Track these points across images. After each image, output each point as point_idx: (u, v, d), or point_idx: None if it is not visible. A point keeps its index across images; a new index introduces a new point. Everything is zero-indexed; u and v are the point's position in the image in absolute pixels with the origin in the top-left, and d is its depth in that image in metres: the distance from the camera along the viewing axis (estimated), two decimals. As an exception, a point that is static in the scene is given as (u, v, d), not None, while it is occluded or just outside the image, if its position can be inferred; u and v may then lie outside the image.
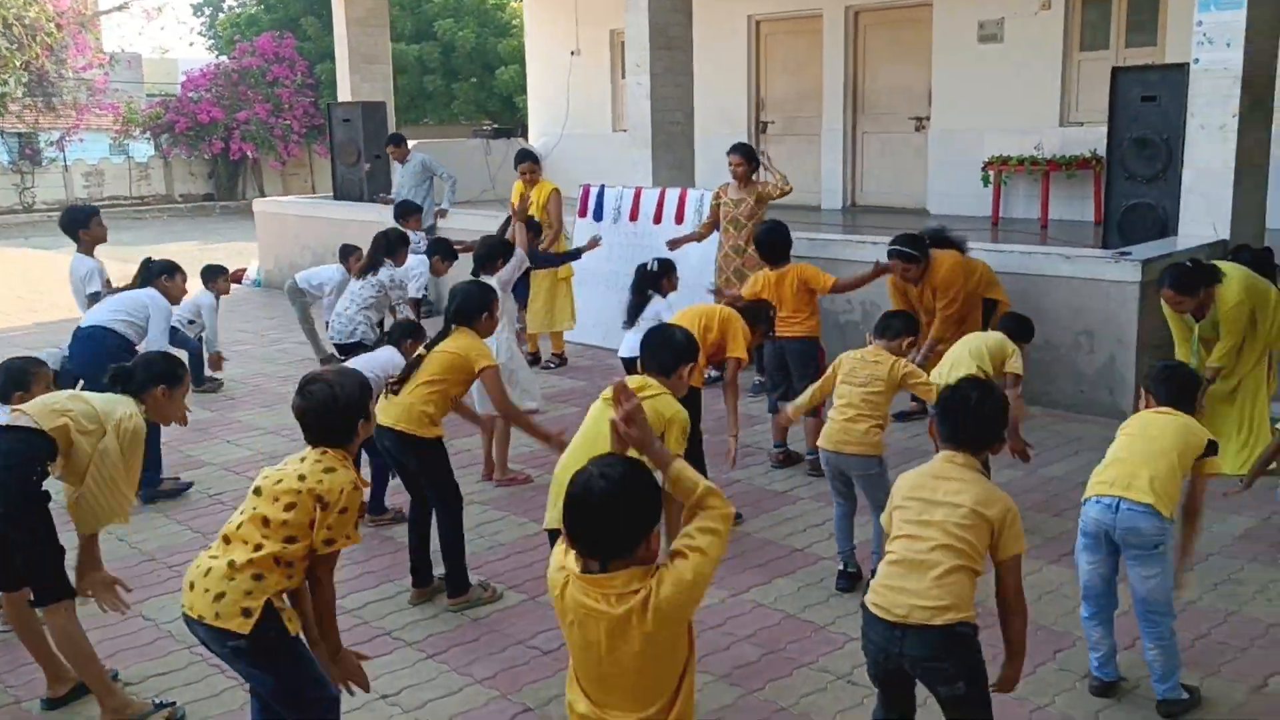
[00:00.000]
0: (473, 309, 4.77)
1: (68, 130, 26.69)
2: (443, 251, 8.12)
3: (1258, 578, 4.90)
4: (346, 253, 8.82)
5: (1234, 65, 7.47)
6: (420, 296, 8.23)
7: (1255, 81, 7.59)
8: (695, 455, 5.61)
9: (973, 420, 3.10)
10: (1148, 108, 8.02)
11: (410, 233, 8.22)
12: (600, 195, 10.17)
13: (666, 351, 3.96)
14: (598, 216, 10.13)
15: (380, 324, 7.07)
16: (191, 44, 29.03)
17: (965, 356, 5.42)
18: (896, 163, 12.87)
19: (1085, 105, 11.14)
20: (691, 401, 5.56)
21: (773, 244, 6.55)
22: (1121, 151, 8.18)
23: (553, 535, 3.74)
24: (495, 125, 16.91)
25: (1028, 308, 7.53)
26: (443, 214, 11.64)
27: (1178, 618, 3.85)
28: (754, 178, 8.18)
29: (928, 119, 12.44)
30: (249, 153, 27.00)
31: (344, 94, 14.64)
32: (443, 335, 4.76)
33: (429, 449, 4.63)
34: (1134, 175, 8.15)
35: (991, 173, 11.34)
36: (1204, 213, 7.74)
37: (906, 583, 2.95)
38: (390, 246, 7.03)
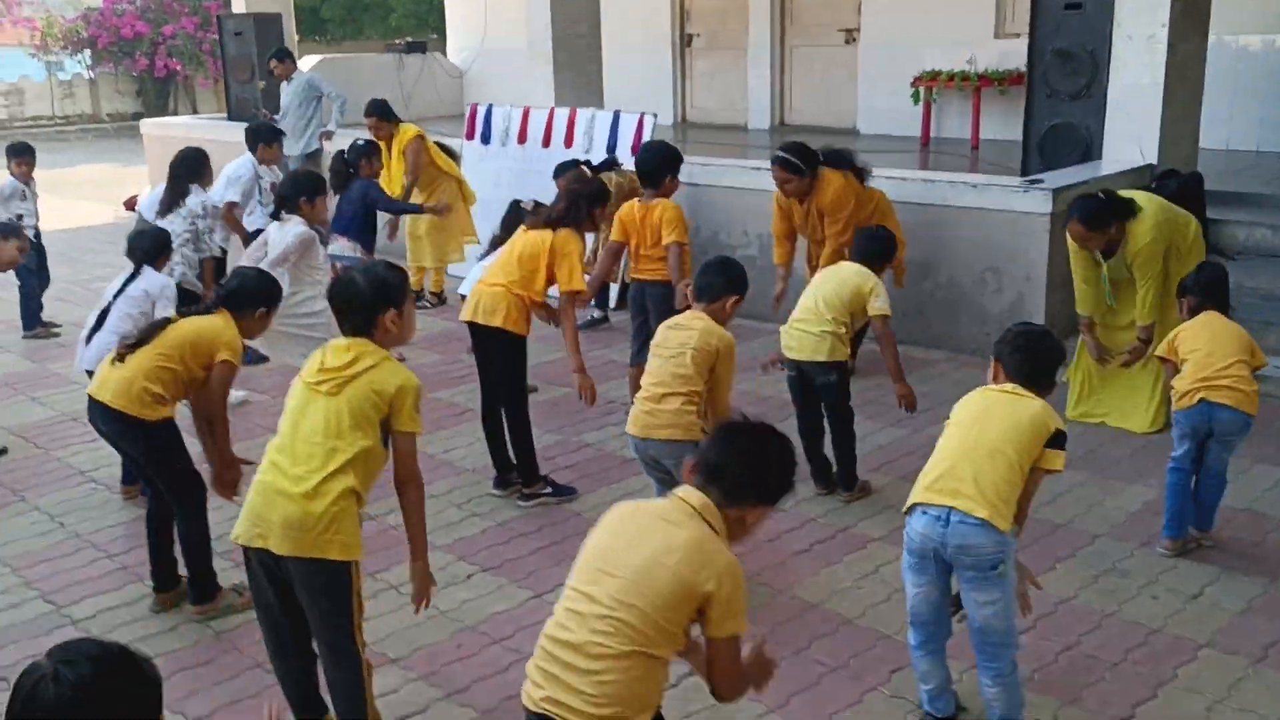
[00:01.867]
0: (247, 300, 4.02)
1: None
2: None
3: (1147, 568, 4.23)
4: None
5: (1165, -34, 6.64)
6: (222, 252, 6.78)
7: (1188, -16, 6.77)
8: (519, 413, 4.90)
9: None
10: (1071, 16, 7.17)
11: (263, 167, 7.33)
12: (488, 116, 9.29)
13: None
14: (485, 139, 9.28)
15: (203, 262, 6.24)
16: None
17: (817, 308, 4.69)
18: (826, 78, 11.96)
19: (1022, 15, 10.22)
20: (518, 352, 4.85)
21: (651, 167, 5.71)
22: (1043, 65, 7.34)
23: (246, 552, 3.01)
24: (409, 39, 15.80)
25: (929, 241, 6.82)
26: (328, 136, 10.71)
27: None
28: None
29: (858, 31, 11.52)
30: (176, 69, 25.67)
31: (239, 5, 13.55)
32: (205, 310, 4.00)
33: (152, 434, 3.86)
34: (1056, 92, 7.33)
35: (921, 89, 10.48)
36: (1130, 134, 6.97)
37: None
38: (193, 168, 6.15)
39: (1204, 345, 4.18)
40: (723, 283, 4.01)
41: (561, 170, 6.97)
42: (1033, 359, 3.20)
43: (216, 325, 3.93)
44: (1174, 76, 6.84)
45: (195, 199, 6.10)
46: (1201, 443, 4.21)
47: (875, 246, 5.00)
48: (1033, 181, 6.53)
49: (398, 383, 2.98)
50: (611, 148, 8.30)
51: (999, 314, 6.61)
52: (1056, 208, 6.29)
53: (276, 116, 11.11)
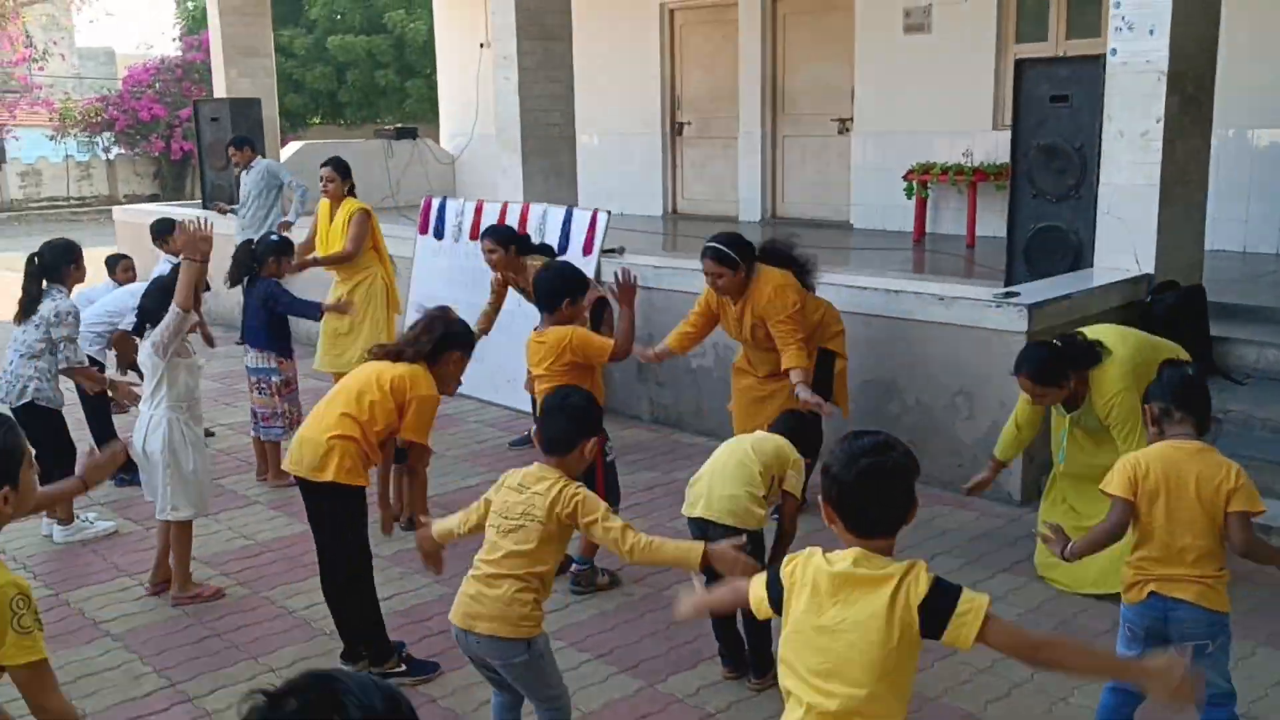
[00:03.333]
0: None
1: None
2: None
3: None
4: (113, 263, 7.43)
5: (1158, 57, 5.94)
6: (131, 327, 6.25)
7: (1185, 76, 6.05)
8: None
9: None
10: (1058, 110, 6.48)
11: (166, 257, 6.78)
12: (441, 209, 8.71)
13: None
14: (439, 233, 8.68)
15: (58, 373, 5.57)
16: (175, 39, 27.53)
17: (730, 469, 3.95)
18: (819, 170, 11.33)
19: (1022, 105, 9.58)
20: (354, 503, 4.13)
21: (546, 290, 5.00)
22: (1028, 163, 6.64)
23: None
24: (398, 125, 15.44)
25: (896, 358, 6.07)
26: (286, 227, 10.14)
27: None
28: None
29: (851, 120, 10.90)
30: (191, 152, 25.62)
31: (220, 89, 13.24)
32: None
33: None
34: (1042, 192, 6.61)
35: (914, 183, 9.80)
36: (1123, 240, 6.21)
37: None
38: (50, 265, 5.47)
39: (1161, 512, 3.16)
40: (575, 427, 3.28)
41: (491, 232, 6.38)
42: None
43: None
44: (1172, 177, 6.10)
45: (49, 304, 5.41)
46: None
47: (796, 425, 4.34)
48: (1007, 295, 5.78)
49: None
50: (563, 247, 7.66)
51: (972, 444, 5.82)
52: (1034, 326, 5.53)
53: (235, 206, 10.65)
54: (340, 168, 7.36)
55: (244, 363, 6.56)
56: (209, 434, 7.02)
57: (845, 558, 2.32)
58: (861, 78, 10.64)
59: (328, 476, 3.95)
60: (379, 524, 4.39)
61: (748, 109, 11.65)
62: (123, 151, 26.72)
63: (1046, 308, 5.61)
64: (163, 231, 7.84)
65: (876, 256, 8.83)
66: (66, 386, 5.72)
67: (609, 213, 7.66)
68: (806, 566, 2.36)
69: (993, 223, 9.44)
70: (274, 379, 6.39)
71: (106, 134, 26.30)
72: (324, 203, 7.48)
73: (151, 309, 4.83)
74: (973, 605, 2.24)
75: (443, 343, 4.10)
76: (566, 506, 3.14)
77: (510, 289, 6.64)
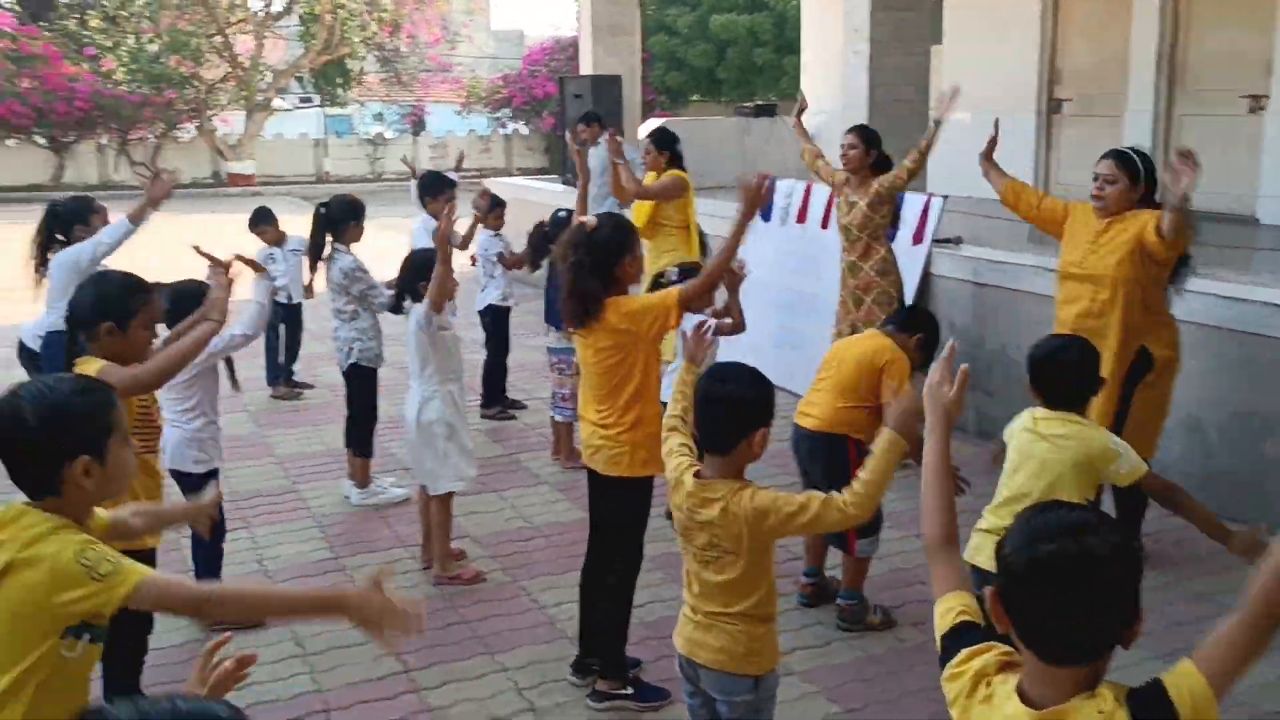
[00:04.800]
0: (95, 313, 3.20)
1: (415, 105, 27.94)
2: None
3: None
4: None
5: None
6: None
7: None
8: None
9: None
10: None
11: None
12: (771, 190, 8.27)
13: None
14: (765, 215, 8.27)
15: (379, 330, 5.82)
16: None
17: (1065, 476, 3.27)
18: (1222, 155, 9.72)
19: None
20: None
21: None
22: None
23: None
24: (757, 103, 15.11)
25: (1268, 382, 4.96)
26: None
27: None
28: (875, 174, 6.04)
29: (1267, 98, 9.25)
30: (576, 128, 26.94)
31: (585, 67, 13.53)
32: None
33: None
34: None
35: (1342, 173, 8.13)
36: None
37: None
38: (334, 219, 5.65)
39: None
40: (734, 426, 2.73)
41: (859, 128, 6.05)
42: None
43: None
44: None
45: (335, 267, 5.62)
46: None
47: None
48: None
49: None
50: (890, 235, 7.00)
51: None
52: None
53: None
54: (660, 140, 7.17)
55: (545, 343, 6.51)
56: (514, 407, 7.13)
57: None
58: (1284, 47, 8.99)
59: (618, 470, 3.70)
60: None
61: (1138, 83, 10.23)
62: (518, 127, 28.54)
63: None
64: (259, 221, 7.94)
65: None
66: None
67: (945, 198, 6.91)
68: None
69: None
70: (573, 359, 6.26)
71: (505, 110, 28.19)
72: (648, 175, 7.32)
73: (409, 284, 4.81)
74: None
75: None
76: (747, 520, 2.65)
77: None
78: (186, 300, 3.85)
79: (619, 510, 3.82)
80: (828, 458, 4.30)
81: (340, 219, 5.59)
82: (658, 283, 5.03)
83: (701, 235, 7.24)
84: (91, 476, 2.08)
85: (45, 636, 2.01)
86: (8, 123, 23.52)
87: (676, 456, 2.87)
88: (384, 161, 28.31)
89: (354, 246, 5.71)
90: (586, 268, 3.60)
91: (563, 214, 6.66)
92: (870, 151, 6.07)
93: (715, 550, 2.72)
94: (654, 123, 14.12)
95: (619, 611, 3.89)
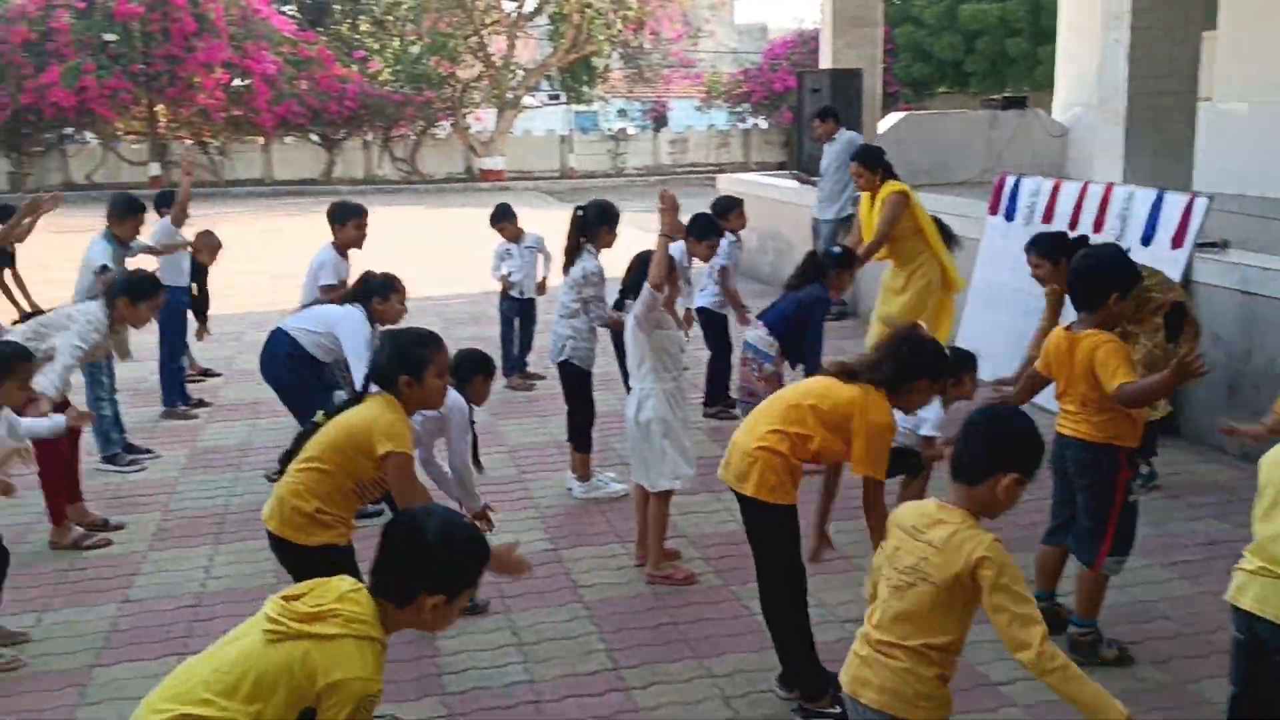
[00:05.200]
0: (394, 368, 3.43)
1: (656, 101, 28.37)
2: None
3: None
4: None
5: None
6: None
7: None
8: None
9: None
10: None
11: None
12: (1015, 188, 7.87)
13: None
14: (1009, 215, 7.87)
15: (594, 332, 5.92)
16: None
17: None
18: None
19: None
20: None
21: (1082, 280, 4.09)
22: None
23: None
24: (1006, 95, 14.41)
25: None
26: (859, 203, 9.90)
27: None
28: None
29: None
30: (815, 122, 26.61)
31: (825, 60, 13.33)
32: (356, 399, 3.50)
33: (307, 559, 3.39)
34: None
35: None
36: None
37: None
38: (589, 222, 5.70)
39: None
40: (986, 460, 2.59)
41: (1040, 244, 5.42)
42: None
43: (368, 413, 3.40)
44: None
45: (579, 267, 5.69)
46: None
47: None
48: None
49: None
50: (1147, 238, 6.52)
51: None
52: None
53: (816, 178, 10.63)
54: (866, 158, 6.97)
55: (744, 335, 6.27)
56: None
57: None
58: None
59: (748, 490, 3.61)
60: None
61: None
62: (758, 121, 28.47)
63: None
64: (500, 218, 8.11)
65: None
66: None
67: (1210, 198, 6.35)
68: None
69: None
70: (767, 366, 6.08)
71: (745, 105, 28.19)
72: (864, 197, 7.15)
73: (632, 282, 4.84)
74: None
75: (908, 369, 3.51)
76: (967, 564, 2.49)
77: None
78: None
79: (762, 531, 3.75)
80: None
81: (594, 222, 5.70)
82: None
83: (943, 226, 6.95)
84: (437, 611, 2.38)
85: None
86: (286, 122, 25.48)
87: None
88: (625, 157, 28.88)
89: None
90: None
91: (836, 250, 6.27)
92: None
93: (916, 574, 2.57)
94: (894, 117, 13.75)
95: (794, 631, 3.78)
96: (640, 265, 4.87)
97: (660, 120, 31.35)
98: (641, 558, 4.99)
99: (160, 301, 5.58)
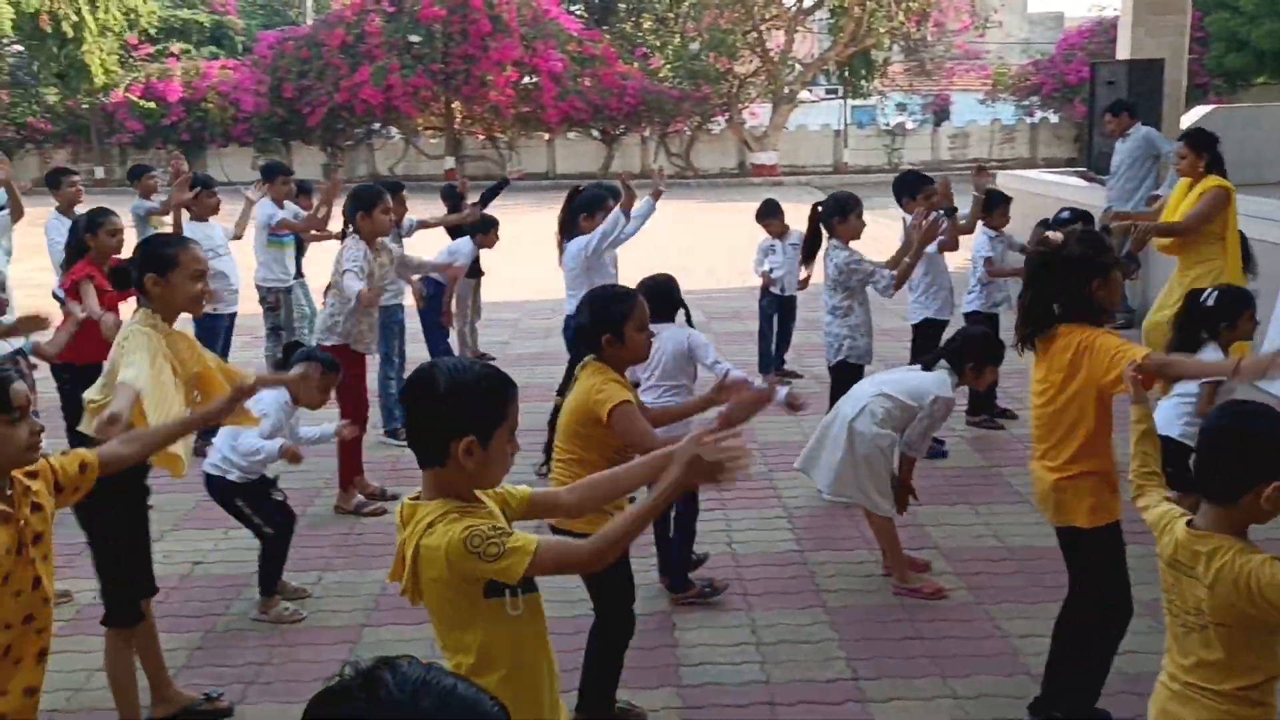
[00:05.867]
0: (595, 328, 3.48)
1: (937, 94, 27.49)
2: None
3: None
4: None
5: None
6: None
7: None
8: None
9: None
10: None
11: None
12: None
13: None
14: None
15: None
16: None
17: None
18: None
19: None
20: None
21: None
22: None
23: None
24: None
25: None
26: (1155, 201, 9.17)
27: None
28: None
29: None
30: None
31: (1123, 50, 12.46)
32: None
33: None
34: None
35: None
36: None
37: None
38: (825, 215, 5.61)
39: None
40: (1240, 470, 2.33)
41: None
42: None
43: (584, 384, 3.47)
44: None
45: (830, 263, 5.56)
46: None
47: None
48: None
49: None
50: None
51: None
52: None
53: (1107, 177, 9.94)
54: (1197, 141, 6.36)
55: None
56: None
57: None
58: None
59: (1076, 521, 3.41)
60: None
61: None
62: (1048, 115, 27.03)
63: None
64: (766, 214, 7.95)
65: None
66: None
67: None
68: None
69: None
70: None
71: (1033, 98, 26.83)
72: (1181, 182, 6.58)
73: None
74: None
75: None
76: (1241, 593, 2.25)
77: None
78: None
79: (1086, 557, 3.48)
80: None
81: (830, 215, 5.62)
82: (1194, 303, 4.46)
83: (1245, 243, 6.33)
84: (473, 456, 2.21)
85: (474, 604, 2.20)
86: (570, 117, 26.50)
87: (1159, 506, 2.53)
88: (902, 152, 28.15)
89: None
90: (1043, 284, 3.31)
91: (1065, 214, 6.15)
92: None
93: (1200, 618, 2.35)
94: (1200, 111, 12.67)
95: (1093, 664, 3.52)
96: None
97: (941, 114, 30.35)
98: (888, 567, 4.85)
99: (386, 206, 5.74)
